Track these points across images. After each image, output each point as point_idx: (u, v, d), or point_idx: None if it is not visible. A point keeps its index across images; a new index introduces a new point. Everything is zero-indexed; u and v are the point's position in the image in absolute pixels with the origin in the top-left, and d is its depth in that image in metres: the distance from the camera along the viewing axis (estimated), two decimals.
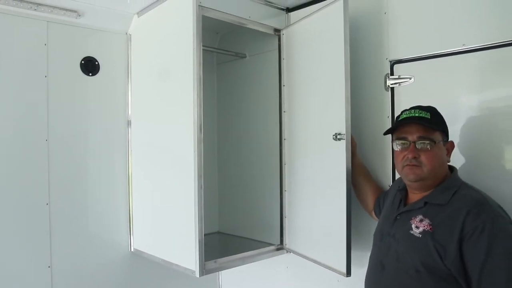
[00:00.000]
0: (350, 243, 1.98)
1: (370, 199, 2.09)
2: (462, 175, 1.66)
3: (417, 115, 1.60)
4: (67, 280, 2.31)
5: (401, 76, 2.08)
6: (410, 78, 2.04)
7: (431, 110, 1.63)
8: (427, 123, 1.58)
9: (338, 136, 2.00)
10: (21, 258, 2.16)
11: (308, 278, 2.52)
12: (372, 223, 2.08)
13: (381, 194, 2.04)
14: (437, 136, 1.59)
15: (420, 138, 1.58)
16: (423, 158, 1.57)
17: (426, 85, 2.00)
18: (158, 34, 2.34)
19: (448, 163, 1.67)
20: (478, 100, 1.86)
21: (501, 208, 1.47)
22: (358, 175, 2.11)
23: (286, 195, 2.49)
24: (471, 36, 1.85)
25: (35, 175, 2.21)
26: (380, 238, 1.72)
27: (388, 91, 2.12)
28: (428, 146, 1.57)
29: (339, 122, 2.00)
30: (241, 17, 2.32)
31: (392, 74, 2.11)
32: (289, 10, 2.56)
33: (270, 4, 2.49)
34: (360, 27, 2.22)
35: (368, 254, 1.82)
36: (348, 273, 1.99)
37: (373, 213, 2.06)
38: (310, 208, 2.31)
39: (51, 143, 2.25)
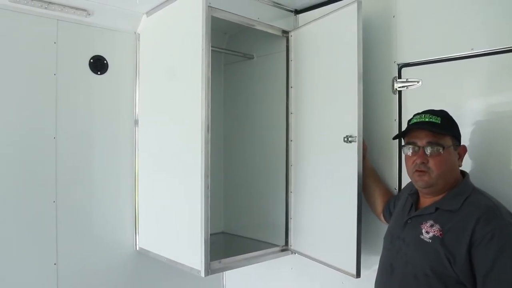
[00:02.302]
0: (360, 245, 1.98)
1: (379, 202, 2.09)
2: (471, 179, 1.65)
3: (427, 119, 1.59)
4: (73, 277, 2.32)
5: (409, 80, 2.07)
6: (418, 82, 2.04)
7: (442, 114, 1.61)
8: (437, 128, 1.57)
9: (350, 139, 2.01)
10: (27, 255, 2.18)
11: (313, 280, 2.52)
12: (379, 226, 2.09)
13: (391, 198, 2.04)
14: (447, 141, 1.58)
15: (429, 143, 1.58)
16: (431, 163, 1.57)
17: (434, 89, 2.00)
18: (167, 34, 2.35)
19: (460, 168, 1.66)
20: (486, 104, 1.86)
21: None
22: (368, 177, 2.12)
23: (292, 196, 2.49)
24: (479, 41, 1.85)
25: (42, 173, 2.23)
26: (390, 241, 1.72)
27: (395, 94, 2.12)
28: (437, 151, 1.56)
29: (351, 124, 2.01)
30: (249, 18, 2.33)
31: (400, 77, 2.11)
32: (297, 12, 2.56)
33: (279, 6, 2.49)
34: (368, 30, 2.22)
35: (375, 257, 1.82)
36: (358, 274, 1.99)
37: (381, 216, 2.06)
38: (318, 209, 2.31)
39: (59, 141, 2.26)
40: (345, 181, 2.06)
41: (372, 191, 2.12)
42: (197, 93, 2.02)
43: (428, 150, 1.58)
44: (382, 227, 1.93)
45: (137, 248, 2.56)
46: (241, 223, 2.93)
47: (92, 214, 2.41)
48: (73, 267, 2.32)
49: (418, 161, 1.59)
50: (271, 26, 2.43)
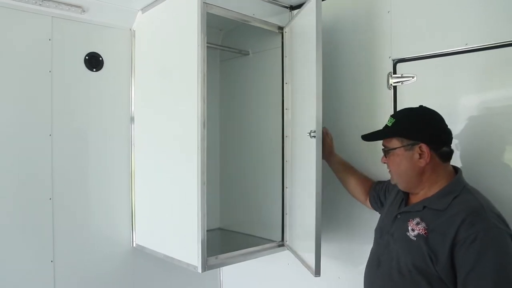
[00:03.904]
0: (320, 241, 1.99)
1: (359, 191, 2.13)
2: (465, 175, 1.65)
3: (387, 123, 1.67)
4: (70, 274, 2.32)
5: (404, 75, 2.08)
6: (412, 77, 2.05)
7: (398, 116, 1.67)
8: (382, 133, 1.68)
9: (312, 134, 2.02)
10: (24, 253, 2.17)
11: (310, 275, 2.52)
12: (370, 219, 2.08)
13: (376, 185, 2.07)
14: (394, 144, 1.62)
15: (383, 146, 1.69)
16: (389, 165, 1.69)
17: (429, 84, 2.01)
18: (162, 30, 2.35)
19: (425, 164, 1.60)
20: (480, 100, 1.87)
21: (500, 216, 1.45)
22: (340, 172, 2.19)
23: (287, 192, 2.50)
24: (474, 36, 1.85)
25: (38, 170, 2.22)
26: (380, 235, 1.74)
27: (390, 89, 2.13)
28: (388, 154, 1.66)
29: (313, 119, 2.02)
30: (245, 15, 2.32)
31: (395, 72, 2.12)
32: (292, 8, 2.56)
33: (274, 2, 2.49)
34: (363, 26, 2.23)
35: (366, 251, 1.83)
36: (317, 272, 1.99)
37: (367, 202, 2.09)
38: (297, 205, 2.35)
39: (54, 138, 2.26)
40: (310, 177, 2.06)
41: (349, 183, 2.17)
42: (193, 89, 2.02)
43: (384, 153, 1.69)
44: (375, 221, 1.92)
45: (134, 245, 2.56)
46: (237, 219, 2.94)
47: (88, 211, 2.41)
48: (70, 264, 2.32)
49: (382, 162, 1.73)
50: (267, 22, 2.43)
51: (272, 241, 2.52)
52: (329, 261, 2.37)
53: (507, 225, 1.43)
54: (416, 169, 1.59)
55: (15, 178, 2.15)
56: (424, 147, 1.56)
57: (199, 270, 2.04)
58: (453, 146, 1.64)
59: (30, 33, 2.19)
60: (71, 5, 2.21)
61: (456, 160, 1.80)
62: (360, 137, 1.82)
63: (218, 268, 3.05)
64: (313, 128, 2.01)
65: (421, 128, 1.60)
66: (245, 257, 2.32)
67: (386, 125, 1.66)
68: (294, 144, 2.39)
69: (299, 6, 2.53)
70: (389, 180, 1.90)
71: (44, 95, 2.23)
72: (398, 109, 2.09)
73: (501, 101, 1.80)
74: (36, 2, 2.11)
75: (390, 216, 1.71)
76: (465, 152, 1.85)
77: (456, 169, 1.64)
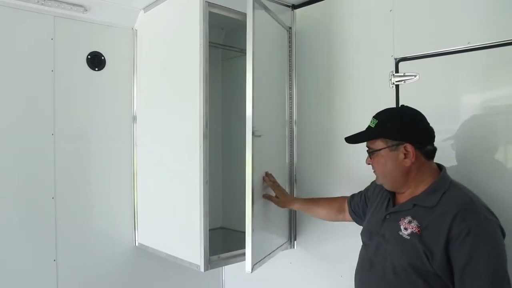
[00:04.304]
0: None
1: (333, 213, 2.12)
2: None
3: (370, 124, 1.65)
4: (72, 273, 2.33)
5: (406, 74, 2.08)
6: (415, 76, 2.05)
7: (381, 117, 1.64)
8: (367, 135, 1.65)
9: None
10: (26, 252, 2.19)
11: (312, 274, 2.53)
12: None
13: (353, 197, 2.04)
14: (378, 145, 1.61)
15: (367, 148, 1.68)
16: (374, 165, 1.67)
17: (431, 83, 2.00)
18: (164, 29, 2.35)
19: (411, 164, 1.60)
20: (482, 98, 1.86)
21: (488, 209, 1.47)
22: (308, 210, 2.19)
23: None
24: (476, 34, 1.85)
25: (41, 169, 2.23)
26: (369, 237, 1.72)
27: (393, 88, 2.12)
28: (372, 155, 1.65)
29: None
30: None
31: (397, 71, 2.11)
32: (294, 7, 2.55)
33: (276, 1, 2.48)
34: (365, 24, 2.23)
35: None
36: (251, 269, 2.04)
37: (347, 216, 2.06)
38: None
39: (57, 138, 2.27)
40: None
41: (321, 214, 2.16)
42: (195, 88, 2.02)
43: (368, 154, 1.67)
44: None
45: (136, 244, 2.57)
46: (239, 218, 2.93)
47: (91, 210, 2.42)
48: (72, 263, 2.33)
49: (366, 163, 1.70)
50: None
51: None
52: (332, 260, 2.37)
53: (495, 216, 1.46)
54: (402, 169, 1.59)
55: (17, 177, 2.16)
56: (409, 146, 1.56)
57: (202, 269, 2.04)
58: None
59: (32, 32, 2.20)
60: (73, 5, 2.22)
61: (457, 159, 1.79)
62: None
63: (220, 267, 3.05)
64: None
65: (405, 128, 1.60)
66: None
67: (369, 126, 1.65)
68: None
69: (301, 5, 2.53)
70: (365, 189, 1.93)
71: (46, 95, 2.24)
72: None
73: (503, 99, 1.79)
74: (38, 2, 2.12)
75: (378, 218, 1.70)
76: (466, 150, 1.85)
77: (440, 167, 1.65)
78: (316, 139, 2.42)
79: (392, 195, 1.70)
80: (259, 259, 2.10)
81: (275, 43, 2.34)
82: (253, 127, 2.02)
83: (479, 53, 1.84)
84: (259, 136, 2.03)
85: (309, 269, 2.55)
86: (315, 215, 2.20)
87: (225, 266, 3.00)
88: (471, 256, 1.37)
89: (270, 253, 2.26)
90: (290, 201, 2.21)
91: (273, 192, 2.20)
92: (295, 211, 2.50)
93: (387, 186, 1.67)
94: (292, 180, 2.53)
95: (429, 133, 1.60)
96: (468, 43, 1.86)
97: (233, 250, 2.29)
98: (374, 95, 2.19)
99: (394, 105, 2.10)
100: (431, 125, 1.60)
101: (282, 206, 2.22)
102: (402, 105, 1.67)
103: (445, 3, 1.95)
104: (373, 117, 1.65)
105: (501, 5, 1.79)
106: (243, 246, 2.35)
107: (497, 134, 1.81)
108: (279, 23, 2.39)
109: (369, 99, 2.21)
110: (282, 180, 2.50)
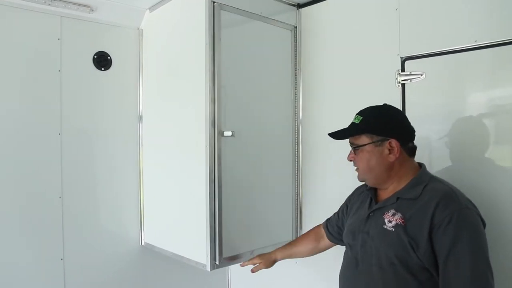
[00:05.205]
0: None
1: (314, 245, 2.11)
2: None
3: (354, 120, 1.67)
4: (79, 272, 2.34)
5: (412, 73, 2.07)
6: (421, 75, 2.04)
7: (365, 114, 1.66)
8: (353, 130, 1.66)
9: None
10: (34, 251, 2.20)
11: (317, 274, 2.53)
12: None
13: (329, 221, 2.05)
14: (363, 140, 1.63)
15: (351, 144, 1.68)
16: (356, 161, 1.67)
17: (437, 82, 2.00)
18: (170, 29, 2.35)
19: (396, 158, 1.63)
20: (489, 97, 1.85)
21: (469, 201, 1.51)
22: (292, 255, 2.16)
23: (301, 191, 2.51)
24: (483, 33, 1.84)
25: (48, 169, 2.24)
26: (352, 238, 1.72)
27: (399, 87, 2.12)
28: (356, 150, 1.65)
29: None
30: (251, 13, 2.32)
31: (403, 70, 2.11)
32: (300, 6, 2.55)
33: (281, 0, 2.48)
34: (371, 23, 2.22)
35: None
36: (210, 266, 2.05)
37: (326, 241, 2.07)
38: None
39: (64, 137, 2.28)
40: None
41: (305, 252, 2.14)
42: (201, 88, 2.02)
43: (352, 150, 1.68)
44: None
45: (143, 243, 2.58)
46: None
47: (98, 210, 2.43)
48: (79, 262, 2.34)
49: (348, 159, 1.71)
50: (274, 21, 2.43)
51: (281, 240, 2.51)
52: (338, 260, 2.36)
53: (476, 207, 1.50)
54: (386, 164, 1.61)
55: (24, 177, 2.17)
56: (394, 142, 1.59)
57: (208, 268, 2.05)
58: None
59: (39, 32, 2.21)
60: (80, 5, 2.23)
61: (464, 158, 1.78)
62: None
63: (226, 267, 3.05)
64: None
65: (390, 124, 1.63)
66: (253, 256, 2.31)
67: (353, 122, 1.67)
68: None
69: (306, 4, 2.52)
70: (343, 203, 1.94)
71: (53, 94, 2.25)
72: (406, 106, 2.08)
73: (510, 98, 1.79)
74: (45, 2, 2.13)
75: (361, 218, 1.70)
76: (472, 148, 1.84)
77: (419, 164, 1.68)
78: (322, 138, 2.42)
79: (374, 194, 1.72)
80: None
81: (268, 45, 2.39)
82: (219, 126, 2.05)
83: (486, 51, 1.83)
84: (231, 135, 2.06)
85: (314, 269, 2.54)
86: (298, 256, 2.16)
87: (231, 266, 3.00)
88: (454, 244, 1.40)
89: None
90: (271, 257, 2.16)
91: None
92: (300, 211, 2.50)
93: (370, 182, 1.69)
94: (298, 180, 2.53)
95: (411, 131, 1.66)
96: (475, 41, 1.85)
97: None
98: (380, 94, 2.18)
99: (400, 104, 2.10)
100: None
101: (268, 266, 2.17)
102: (385, 104, 1.70)
103: (451, 1, 1.95)
104: (357, 113, 1.68)
105: (508, 3, 1.78)
106: (249, 246, 2.36)
107: (505, 131, 1.80)
108: (277, 26, 2.43)
109: (375, 98, 2.18)
110: (286, 180, 2.50)
